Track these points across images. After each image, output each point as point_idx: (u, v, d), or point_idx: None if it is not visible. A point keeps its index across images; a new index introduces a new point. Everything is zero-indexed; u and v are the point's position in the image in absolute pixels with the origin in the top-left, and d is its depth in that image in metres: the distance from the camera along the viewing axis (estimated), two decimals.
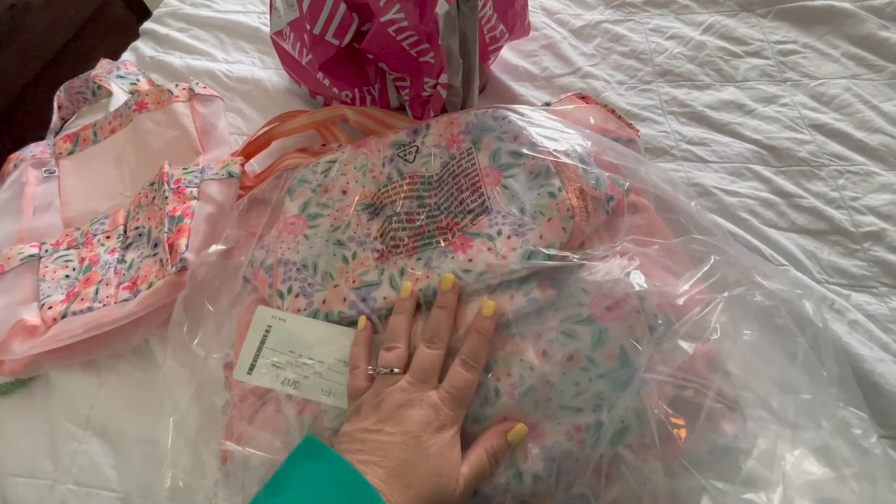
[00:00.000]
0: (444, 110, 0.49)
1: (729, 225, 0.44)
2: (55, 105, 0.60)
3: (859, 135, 0.49)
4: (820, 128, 0.50)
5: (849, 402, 0.26)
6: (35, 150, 0.54)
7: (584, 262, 0.30)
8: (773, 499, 0.24)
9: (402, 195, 0.39)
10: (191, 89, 0.53)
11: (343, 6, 0.45)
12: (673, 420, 0.26)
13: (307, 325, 0.36)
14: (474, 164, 0.38)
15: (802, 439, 0.25)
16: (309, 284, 0.36)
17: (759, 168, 0.48)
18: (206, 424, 0.35)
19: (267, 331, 0.36)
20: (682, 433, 0.26)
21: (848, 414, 0.25)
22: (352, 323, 0.35)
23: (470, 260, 0.32)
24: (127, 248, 0.45)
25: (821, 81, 0.53)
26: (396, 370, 0.30)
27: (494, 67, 0.58)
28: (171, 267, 0.40)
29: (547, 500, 0.29)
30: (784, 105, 0.52)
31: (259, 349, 0.35)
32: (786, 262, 0.42)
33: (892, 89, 0.52)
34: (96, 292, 0.42)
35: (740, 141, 0.50)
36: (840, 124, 0.50)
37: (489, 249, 0.33)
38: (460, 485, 0.27)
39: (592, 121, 0.44)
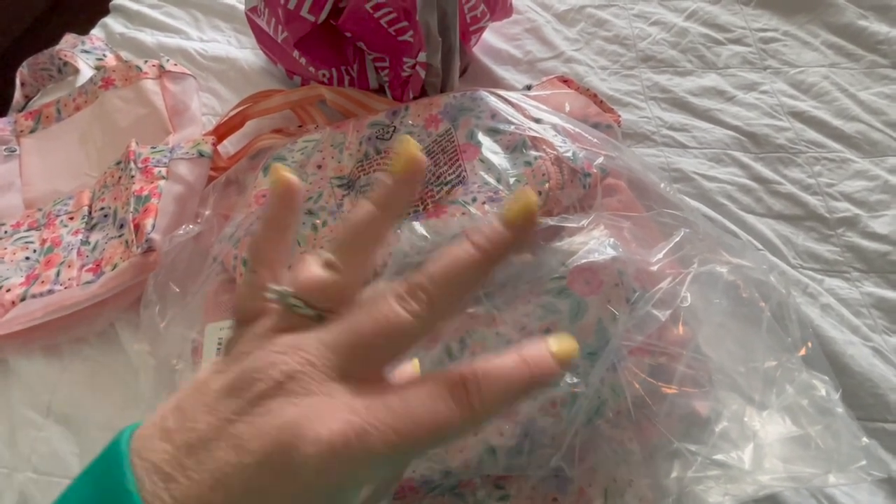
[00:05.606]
0: (423, 92, 0.48)
1: (707, 210, 0.44)
2: (17, 82, 0.58)
3: (836, 122, 0.49)
4: (798, 115, 0.50)
5: (813, 366, 0.26)
6: None
7: (560, 224, 0.30)
8: (743, 457, 0.24)
9: (376, 168, 0.38)
10: (161, 66, 0.51)
11: None
12: (648, 392, 0.26)
13: None
14: (453, 141, 0.37)
15: (769, 402, 0.25)
16: None
17: (738, 154, 0.48)
18: None
19: (219, 343, 0.35)
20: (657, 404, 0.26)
21: (811, 377, 0.26)
22: None
23: (442, 224, 0.32)
24: (91, 229, 0.43)
25: (800, 69, 0.54)
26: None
27: (477, 50, 0.57)
28: (137, 248, 0.38)
29: (520, 478, 0.29)
30: (764, 92, 0.52)
31: None
32: (762, 247, 0.42)
33: (870, 78, 0.52)
34: (58, 274, 0.40)
35: (720, 127, 0.50)
36: (818, 112, 0.50)
37: (463, 214, 0.32)
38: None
39: (568, 107, 0.44)
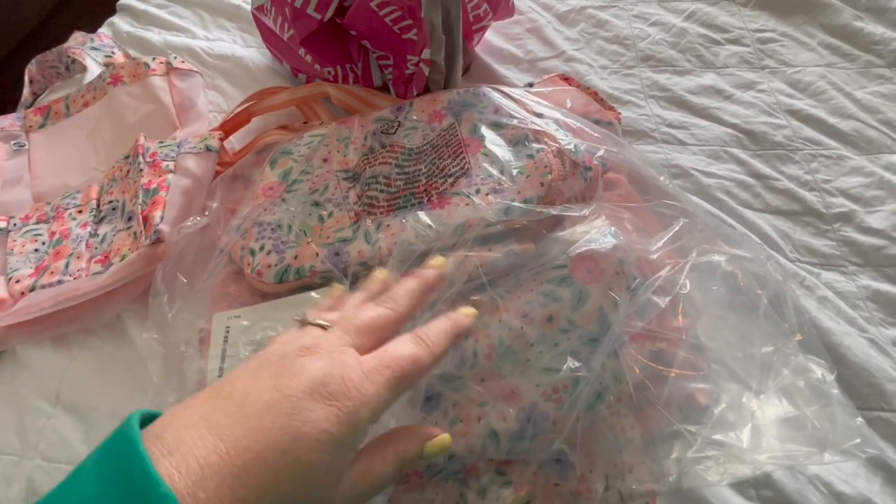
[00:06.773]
0: (427, 89, 0.49)
1: (706, 205, 0.45)
2: (26, 79, 0.58)
3: (832, 120, 0.50)
4: (795, 113, 0.51)
5: (809, 351, 0.27)
6: (4, 122, 0.52)
7: (562, 213, 0.31)
8: (741, 437, 0.24)
9: (381, 161, 0.39)
10: (168, 63, 0.52)
11: None
12: (648, 376, 0.27)
13: (260, 310, 0.36)
14: (456, 135, 0.38)
15: (766, 387, 0.26)
16: (282, 242, 0.36)
17: (736, 151, 0.49)
18: (181, 396, 0.35)
19: (226, 332, 0.35)
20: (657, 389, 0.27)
21: (807, 360, 0.26)
22: (323, 279, 0.34)
23: (447, 214, 0.33)
24: (99, 221, 0.44)
25: (797, 69, 0.54)
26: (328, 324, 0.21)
27: (479, 49, 0.58)
28: (146, 239, 0.39)
29: (522, 465, 0.29)
30: (761, 91, 0.53)
31: (223, 351, 0.35)
32: (760, 242, 0.43)
33: (865, 77, 0.53)
34: (66, 266, 0.41)
35: (719, 125, 0.51)
36: (814, 110, 0.51)
37: (466, 205, 0.33)
38: (345, 488, 0.18)
39: (570, 104, 0.44)
